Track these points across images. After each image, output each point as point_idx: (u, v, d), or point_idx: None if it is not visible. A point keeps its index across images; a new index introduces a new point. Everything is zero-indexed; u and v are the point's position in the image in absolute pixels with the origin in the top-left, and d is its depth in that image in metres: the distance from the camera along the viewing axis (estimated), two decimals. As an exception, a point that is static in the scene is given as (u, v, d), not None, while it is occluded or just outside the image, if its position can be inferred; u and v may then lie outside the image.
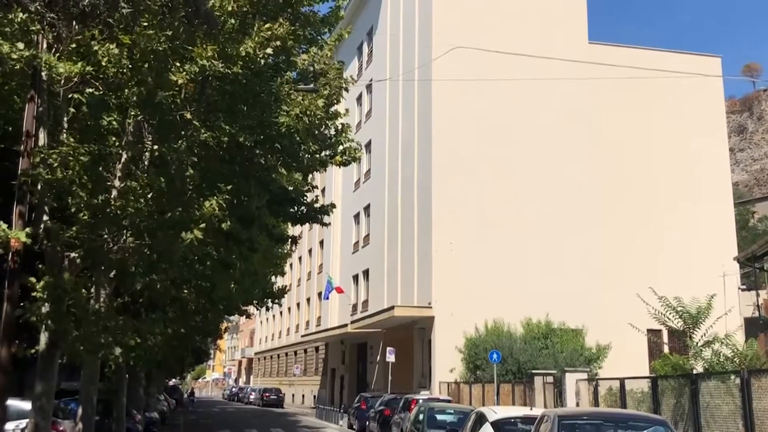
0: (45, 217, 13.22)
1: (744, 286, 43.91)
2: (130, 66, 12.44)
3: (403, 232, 45.83)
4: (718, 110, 48.94)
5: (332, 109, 17.49)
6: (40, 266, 13.49)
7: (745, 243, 55.67)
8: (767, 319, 35.42)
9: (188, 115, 13.21)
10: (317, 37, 17.13)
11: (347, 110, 18.70)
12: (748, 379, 15.16)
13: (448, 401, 31.56)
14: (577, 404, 26.26)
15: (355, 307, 54.31)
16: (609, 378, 26.03)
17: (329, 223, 23.87)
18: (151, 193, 13.27)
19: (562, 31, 44.48)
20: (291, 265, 70.35)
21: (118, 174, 13.77)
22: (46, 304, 12.71)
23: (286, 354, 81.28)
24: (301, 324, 73.62)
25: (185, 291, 18.89)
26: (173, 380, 75.73)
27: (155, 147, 13.94)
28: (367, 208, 54.10)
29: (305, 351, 72.67)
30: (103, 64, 12.30)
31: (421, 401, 28.56)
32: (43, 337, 13.92)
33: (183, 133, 13.41)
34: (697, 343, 23.01)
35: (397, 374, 42.07)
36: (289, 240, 23.14)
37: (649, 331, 29.13)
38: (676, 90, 45.50)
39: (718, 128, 47.98)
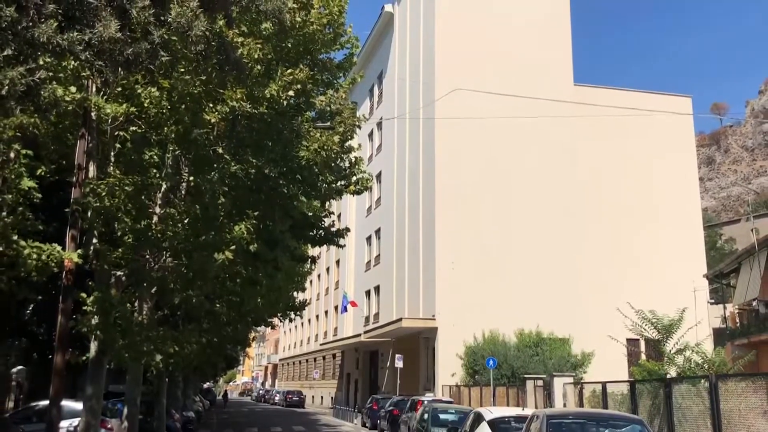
0: (94, 240, 13.32)
1: (713, 301, 43.63)
2: (169, 107, 12.56)
3: (409, 253, 45.73)
4: (688, 144, 48.72)
5: (347, 144, 17.53)
6: (90, 283, 13.57)
7: (713, 262, 55.33)
8: (733, 329, 35.11)
9: (220, 150, 13.30)
10: (333, 81, 17.25)
11: (360, 145, 18.79)
12: (716, 383, 15.02)
13: (450, 402, 31.38)
14: (564, 405, 26.02)
15: (367, 318, 54.12)
16: (592, 382, 25.80)
17: (344, 245, 23.83)
18: (187, 219, 13.36)
19: (550, 75, 44.43)
20: (311, 281, 70.19)
21: (159, 202, 13.88)
22: (96, 316, 12.76)
23: (307, 360, 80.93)
24: (320, 334, 73.36)
25: (218, 305, 18.94)
26: (207, 383, 75.45)
27: (191, 178, 14.03)
28: (378, 232, 54.01)
29: (324, 358, 72.38)
30: (146, 105, 12.43)
31: (426, 402, 28.42)
32: (93, 346, 13.98)
33: (215, 165, 13.48)
34: (670, 351, 22.90)
35: (405, 378, 41.86)
36: (309, 260, 23.06)
37: (628, 340, 28.98)
38: (651, 126, 45.36)
39: (688, 160, 47.75)
